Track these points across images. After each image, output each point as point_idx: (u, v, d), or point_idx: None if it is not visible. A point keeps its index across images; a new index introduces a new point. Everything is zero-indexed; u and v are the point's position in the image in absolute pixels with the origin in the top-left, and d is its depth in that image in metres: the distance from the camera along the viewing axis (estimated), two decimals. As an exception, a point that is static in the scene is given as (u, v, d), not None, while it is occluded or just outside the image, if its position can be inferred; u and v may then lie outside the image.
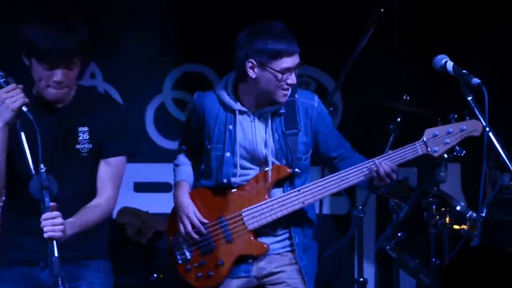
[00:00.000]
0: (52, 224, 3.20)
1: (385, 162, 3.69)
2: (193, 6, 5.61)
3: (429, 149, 3.71)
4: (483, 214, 4.59)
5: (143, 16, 5.56)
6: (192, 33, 5.59)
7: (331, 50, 5.49)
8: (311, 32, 5.50)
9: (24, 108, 3.26)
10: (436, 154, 3.71)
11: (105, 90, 5.63)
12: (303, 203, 3.70)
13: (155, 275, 5.20)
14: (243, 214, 3.73)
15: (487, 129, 3.61)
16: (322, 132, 3.79)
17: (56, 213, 3.21)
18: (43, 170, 3.17)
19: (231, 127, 3.74)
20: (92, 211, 3.41)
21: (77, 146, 3.44)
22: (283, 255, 3.77)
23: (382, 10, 4.28)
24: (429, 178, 4.96)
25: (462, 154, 3.71)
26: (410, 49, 5.34)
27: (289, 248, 3.77)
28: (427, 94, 5.24)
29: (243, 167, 3.75)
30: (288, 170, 3.72)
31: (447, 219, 4.73)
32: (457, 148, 3.71)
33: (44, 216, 3.20)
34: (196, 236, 3.76)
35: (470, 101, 3.64)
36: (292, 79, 3.69)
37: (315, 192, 3.71)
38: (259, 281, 3.78)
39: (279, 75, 3.67)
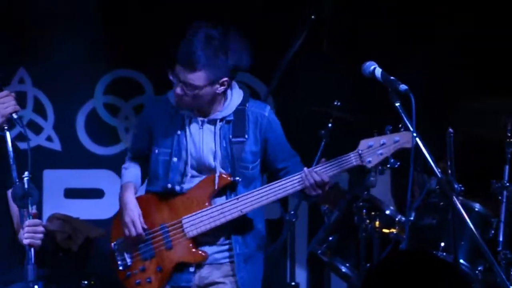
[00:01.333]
0: (34, 231, 3.27)
1: (316, 173, 3.71)
2: (125, 10, 5.58)
3: (363, 160, 3.73)
4: (412, 218, 4.68)
5: (74, 21, 5.50)
6: (124, 38, 5.55)
7: (263, 56, 5.52)
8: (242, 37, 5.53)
9: (15, 115, 3.33)
10: (370, 165, 3.74)
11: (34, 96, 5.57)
12: (241, 211, 3.71)
13: (85, 282, 5.15)
14: (183, 222, 3.73)
15: (414, 134, 3.67)
16: (271, 142, 3.80)
17: (38, 221, 3.29)
18: (27, 178, 3.23)
19: (179, 132, 3.73)
20: None
21: None
22: (225, 265, 3.77)
23: (312, 17, 4.32)
24: (359, 182, 5.03)
25: (396, 166, 3.74)
26: (340, 55, 5.41)
27: (230, 259, 3.77)
28: (358, 100, 5.31)
29: (189, 173, 3.74)
30: (229, 178, 3.72)
31: (377, 223, 4.80)
32: (391, 160, 3.75)
33: (27, 223, 3.26)
34: (139, 241, 3.75)
35: (398, 107, 3.70)
36: (177, 89, 3.71)
37: (253, 200, 3.72)
38: None
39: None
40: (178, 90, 3.68)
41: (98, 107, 5.65)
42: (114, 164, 5.38)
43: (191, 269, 3.75)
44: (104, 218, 5.44)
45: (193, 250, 3.72)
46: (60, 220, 5.23)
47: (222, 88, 3.71)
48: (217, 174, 3.71)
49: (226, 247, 3.76)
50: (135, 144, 3.90)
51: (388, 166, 3.78)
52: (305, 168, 3.73)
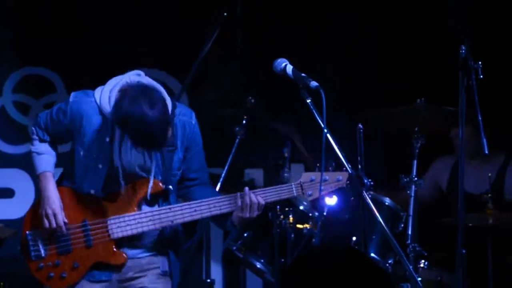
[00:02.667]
0: None
1: (255, 194, 3.71)
2: (35, 7, 5.49)
3: (303, 192, 3.77)
4: (324, 213, 4.75)
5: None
6: (34, 35, 5.46)
7: (177, 53, 5.52)
8: (156, 35, 5.52)
9: None
10: (310, 198, 3.78)
11: None
12: (172, 222, 3.69)
13: (-5, 283, 5.06)
14: (109, 223, 3.68)
15: (325, 130, 3.72)
16: (192, 151, 3.79)
17: None
18: None
19: (107, 139, 3.66)
20: None
21: None
22: (146, 259, 3.75)
23: (225, 14, 4.34)
24: (274, 179, 5.07)
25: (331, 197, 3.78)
26: (253, 52, 5.44)
27: (154, 252, 3.75)
28: (271, 96, 5.36)
29: (115, 181, 3.68)
30: (161, 185, 3.70)
31: (291, 218, 4.84)
32: (331, 193, 3.82)
33: None
34: (57, 234, 3.69)
35: (309, 103, 3.74)
36: None
37: (186, 213, 3.70)
38: (120, 285, 3.74)
39: None
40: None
41: (7, 105, 5.55)
42: (25, 163, 5.29)
43: (113, 267, 3.72)
44: (15, 218, 5.35)
45: (115, 251, 3.69)
46: (-31, 221, 5.11)
47: None
48: (151, 181, 3.68)
49: (154, 253, 3.75)
50: (55, 130, 3.77)
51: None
52: (246, 188, 3.72)
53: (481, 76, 3.69)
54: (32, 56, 5.51)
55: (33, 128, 3.81)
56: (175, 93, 5.51)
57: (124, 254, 3.69)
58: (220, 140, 5.14)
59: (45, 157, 3.78)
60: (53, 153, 3.81)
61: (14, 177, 5.50)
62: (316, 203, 4.85)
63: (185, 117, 3.77)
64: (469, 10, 3.98)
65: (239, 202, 3.68)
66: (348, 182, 3.77)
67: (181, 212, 3.70)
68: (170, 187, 3.71)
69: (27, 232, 3.75)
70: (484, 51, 4.16)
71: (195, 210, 3.71)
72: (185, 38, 5.52)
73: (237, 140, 5.16)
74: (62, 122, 3.74)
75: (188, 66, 4.91)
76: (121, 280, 3.74)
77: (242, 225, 3.82)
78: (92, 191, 3.68)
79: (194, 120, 3.79)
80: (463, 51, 3.72)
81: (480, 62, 3.71)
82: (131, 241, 3.72)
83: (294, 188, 3.77)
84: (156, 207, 3.73)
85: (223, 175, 5.04)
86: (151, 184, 3.68)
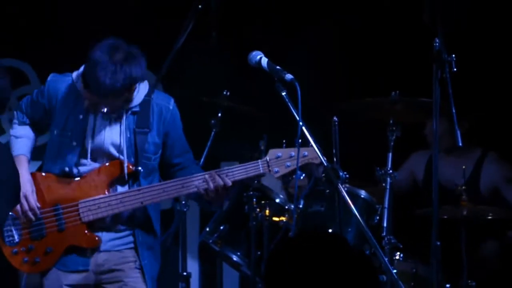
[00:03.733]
0: None
1: (220, 176, 3.71)
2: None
3: (270, 169, 3.79)
4: (300, 206, 4.75)
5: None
6: (6, 26, 5.41)
7: (152, 45, 5.49)
8: (131, 27, 5.49)
9: None
10: (276, 175, 3.81)
11: None
12: (141, 203, 3.70)
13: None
14: (80, 205, 3.69)
15: (300, 123, 3.73)
16: (172, 136, 3.80)
17: None
18: None
19: (81, 116, 3.69)
20: None
21: None
22: (123, 252, 3.74)
23: (199, 6, 4.34)
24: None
25: (301, 178, 3.80)
26: (228, 45, 5.43)
27: (131, 245, 3.74)
28: (246, 89, 5.35)
29: (88, 159, 3.70)
30: (130, 167, 3.70)
31: (267, 211, 4.85)
32: (298, 172, 3.81)
33: None
34: (30, 218, 3.67)
35: (284, 96, 3.75)
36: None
37: (154, 194, 3.70)
38: (97, 277, 3.73)
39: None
40: (106, 109, 3.66)
41: (-20, 97, 5.49)
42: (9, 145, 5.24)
43: (88, 255, 3.73)
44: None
45: (87, 234, 3.68)
46: None
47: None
48: (124, 163, 3.68)
49: (127, 233, 3.73)
50: (34, 113, 3.80)
51: (294, 177, 3.83)
52: (213, 171, 3.72)
53: (455, 69, 3.71)
54: (4, 48, 5.46)
55: (15, 112, 3.86)
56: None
57: (96, 237, 3.68)
58: (195, 132, 5.13)
59: (22, 140, 3.78)
60: (32, 135, 3.82)
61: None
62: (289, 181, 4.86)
63: (162, 102, 3.80)
64: (443, 2, 4.00)
65: (206, 185, 3.65)
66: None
67: (149, 193, 3.71)
68: (140, 168, 3.69)
69: None
70: (459, 44, 4.18)
71: (164, 191, 3.72)
72: (159, 29, 5.50)
73: (212, 132, 5.15)
74: (40, 102, 3.77)
75: (163, 58, 4.89)
76: (98, 272, 3.73)
77: (218, 205, 3.81)
78: (66, 169, 3.66)
79: (172, 105, 3.81)
80: (437, 44, 3.74)
81: (453, 55, 3.73)
82: (104, 224, 3.71)
83: (260, 165, 3.79)
84: (126, 188, 3.70)
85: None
86: (125, 165, 3.67)
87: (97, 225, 3.73)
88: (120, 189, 3.74)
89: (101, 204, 3.70)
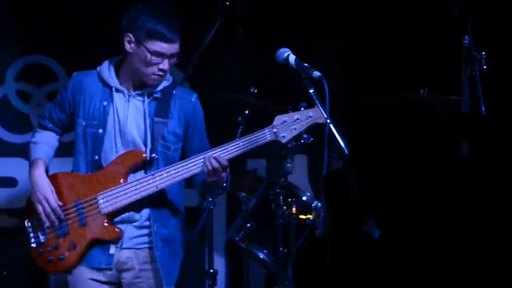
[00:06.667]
0: None
1: (215, 158, 3.69)
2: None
3: (277, 135, 3.75)
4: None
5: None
6: (35, 23, 5.44)
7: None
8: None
9: None
10: (284, 140, 3.76)
11: None
12: (156, 187, 3.70)
13: (-2, 273, 5.08)
14: (98, 198, 3.71)
15: (328, 120, 3.71)
16: (192, 129, 3.81)
17: None
18: None
19: (105, 103, 3.73)
20: None
21: None
22: (144, 251, 3.75)
23: (227, 3, 4.33)
24: (276, 169, 5.06)
25: (309, 141, 3.77)
26: (255, 42, 5.42)
27: (150, 244, 3.74)
28: (274, 86, 5.34)
29: (115, 145, 3.74)
30: (144, 155, 3.71)
31: (294, 209, 4.84)
32: (305, 135, 3.77)
33: None
34: (53, 218, 3.69)
35: (312, 93, 3.74)
36: (164, 64, 3.72)
37: (167, 176, 3.71)
38: (120, 275, 3.75)
39: (149, 56, 3.68)
40: (166, 65, 3.72)
41: (9, 94, 5.53)
42: (27, 153, 5.28)
43: (111, 251, 3.73)
44: (18, 207, 5.34)
45: (108, 226, 3.70)
46: (-29, 210, 5.12)
47: None
48: (143, 149, 3.72)
49: (146, 230, 3.74)
50: (54, 113, 3.85)
51: (302, 141, 3.80)
52: (216, 148, 3.74)
53: (485, 67, 3.67)
54: (33, 45, 5.50)
55: (38, 120, 3.87)
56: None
57: (116, 229, 3.69)
58: (222, 130, 5.12)
59: (39, 146, 3.83)
60: (52, 139, 3.87)
61: (16, 166, 5.49)
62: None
63: (184, 94, 3.82)
64: (473, -1, 3.96)
65: (205, 168, 3.68)
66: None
67: (163, 176, 3.71)
68: (155, 155, 3.68)
69: (25, 221, 3.75)
70: (489, 41, 4.13)
71: (176, 172, 3.71)
72: (186, 26, 5.49)
73: (239, 130, 5.14)
74: (64, 98, 3.81)
75: (190, 56, 4.90)
76: (121, 270, 3.74)
77: (225, 188, 3.78)
78: (96, 157, 3.69)
79: (194, 98, 3.83)
80: (467, 41, 3.70)
81: (483, 53, 3.69)
82: (124, 215, 3.73)
83: (267, 133, 3.76)
84: (141, 176, 3.73)
85: (226, 165, 5.02)
86: (145, 154, 3.68)
87: (117, 217, 3.73)
88: (137, 177, 3.76)
89: (118, 194, 3.71)
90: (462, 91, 3.71)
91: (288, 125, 3.76)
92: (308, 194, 4.95)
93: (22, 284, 5.19)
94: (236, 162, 5.23)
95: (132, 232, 3.74)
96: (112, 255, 3.73)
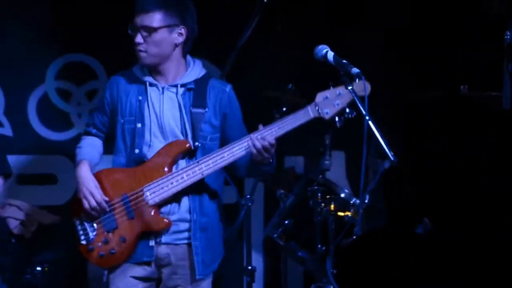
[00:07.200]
0: None
1: (263, 138, 3.66)
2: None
3: (320, 112, 3.70)
4: (366, 201, 4.71)
5: (23, 4, 5.43)
6: (76, 22, 5.49)
7: (217, 39, 5.51)
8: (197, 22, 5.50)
9: None
10: (327, 117, 3.69)
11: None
12: (202, 174, 3.71)
13: (39, 268, 5.12)
14: (144, 190, 3.74)
15: (367, 117, 3.69)
16: (230, 119, 3.82)
17: None
18: None
19: (141, 98, 3.78)
20: None
21: None
22: (181, 247, 3.77)
23: (265, 0, 4.32)
24: (314, 166, 5.05)
25: (353, 116, 3.68)
26: (293, 39, 5.41)
27: (186, 240, 3.76)
28: (311, 83, 5.32)
29: (152, 139, 3.77)
30: (188, 144, 3.73)
31: (332, 206, 4.82)
32: (347, 109, 3.70)
33: None
34: (99, 212, 3.75)
35: (350, 90, 3.71)
36: (137, 38, 3.76)
37: (213, 162, 3.71)
38: (159, 271, 3.79)
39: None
40: (138, 38, 3.75)
41: (49, 92, 5.59)
42: (67, 150, 5.33)
43: (151, 244, 3.76)
44: (58, 204, 5.40)
45: (156, 217, 3.73)
46: (13, 207, 5.17)
47: (180, 38, 3.78)
48: (187, 140, 3.74)
49: (185, 225, 3.76)
50: (97, 118, 3.92)
51: (346, 116, 3.71)
52: (252, 134, 3.70)
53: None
54: (73, 43, 5.54)
55: (84, 127, 3.99)
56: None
57: (165, 219, 3.72)
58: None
59: (84, 149, 3.91)
60: (96, 143, 3.94)
61: (57, 164, 5.55)
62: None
63: (218, 85, 3.83)
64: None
65: (252, 149, 3.66)
66: None
67: (209, 162, 3.71)
68: (198, 144, 3.71)
69: (73, 219, 3.81)
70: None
71: (221, 158, 3.71)
72: (224, 23, 5.51)
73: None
74: (103, 102, 3.87)
75: (228, 53, 4.90)
76: (159, 265, 3.77)
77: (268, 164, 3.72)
78: (137, 151, 3.74)
79: (228, 89, 3.84)
80: (508, 36, 3.65)
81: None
82: (168, 207, 3.75)
83: (310, 110, 3.72)
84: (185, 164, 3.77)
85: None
86: (189, 143, 3.71)
87: (162, 210, 3.76)
88: (180, 167, 3.78)
89: (164, 184, 3.73)
90: (503, 87, 3.66)
91: (330, 101, 3.69)
92: (346, 191, 4.93)
93: (63, 279, 5.25)
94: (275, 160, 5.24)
95: (172, 228, 3.77)
96: (152, 248, 3.76)
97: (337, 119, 3.71)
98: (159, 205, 3.75)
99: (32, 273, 5.11)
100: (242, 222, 5.23)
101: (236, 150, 3.71)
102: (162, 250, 3.77)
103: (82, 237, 3.80)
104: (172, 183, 3.72)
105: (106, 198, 3.76)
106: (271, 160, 3.72)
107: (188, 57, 3.88)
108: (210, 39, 5.54)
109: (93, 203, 3.74)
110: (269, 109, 5.12)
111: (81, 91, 5.62)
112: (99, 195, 3.74)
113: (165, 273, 3.79)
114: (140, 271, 3.77)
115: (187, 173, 3.71)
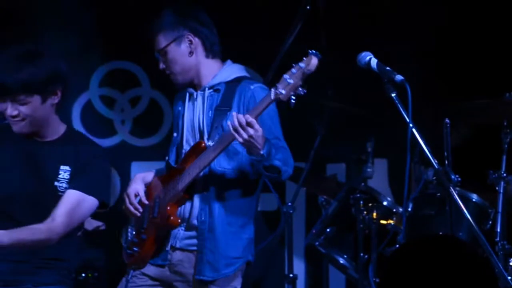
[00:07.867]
0: None
1: (239, 116, 3.52)
2: (120, 1, 5.56)
3: (277, 93, 3.52)
4: (409, 209, 4.66)
5: (68, 12, 5.49)
6: (120, 30, 5.53)
7: (259, 46, 5.52)
8: (238, 29, 5.52)
9: None
10: (282, 97, 3.50)
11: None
12: (199, 167, 3.69)
13: (83, 275, 5.15)
14: (165, 189, 3.80)
15: (411, 125, 3.66)
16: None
17: None
18: None
19: (180, 108, 3.84)
20: (28, 231, 3.49)
21: (56, 184, 3.59)
22: (194, 255, 3.76)
23: (308, 7, 4.31)
24: (356, 174, 5.02)
25: (302, 94, 3.48)
26: (335, 45, 5.39)
27: (197, 247, 3.74)
28: (352, 90, 5.30)
29: (184, 146, 3.81)
30: (203, 144, 3.73)
31: (375, 214, 4.79)
32: (299, 88, 3.51)
33: None
34: (131, 213, 3.80)
35: (394, 97, 3.69)
36: (160, 66, 3.86)
37: (207, 154, 3.67)
38: (172, 276, 3.79)
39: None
40: (160, 65, 3.85)
41: (93, 99, 5.64)
42: (111, 156, 5.34)
43: (167, 248, 3.78)
44: (102, 210, 5.43)
45: (168, 215, 3.73)
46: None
47: (192, 45, 3.78)
48: (203, 141, 3.74)
49: (195, 232, 3.75)
50: (174, 139, 3.93)
51: (297, 93, 3.50)
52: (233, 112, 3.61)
53: None
54: (117, 51, 5.59)
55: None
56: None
57: (173, 217, 3.72)
58: (300, 134, 5.12)
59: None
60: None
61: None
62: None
63: (246, 84, 3.78)
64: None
65: (232, 129, 3.54)
66: (435, 177, 3.66)
67: (205, 155, 3.68)
68: (211, 143, 3.70)
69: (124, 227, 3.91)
70: None
71: (214, 149, 3.66)
72: (266, 30, 5.51)
73: (319, 136, 5.11)
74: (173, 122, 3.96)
75: (270, 61, 4.90)
76: (173, 271, 3.78)
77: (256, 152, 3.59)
78: (166, 158, 3.82)
79: (253, 86, 3.76)
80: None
81: None
82: (180, 209, 3.77)
83: (272, 93, 3.53)
84: None
85: (305, 170, 5.01)
86: (204, 143, 3.69)
87: (180, 205, 3.79)
88: None
89: (182, 177, 3.74)
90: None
91: (285, 80, 3.52)
92: (388, 199, 4.90)
93: (105, 286, 5.28)
94: (317, 168, 5.21)
95: (184, 233, 3.78)
96: (167, 252, 3.77)
97: (292, 97, 3.50)
98: (177, 200, 3.74)
99: (76, 279, 5.14)
100: (283, 230, 5.22)
101: (224, 140, 3.63)
102: (176, 256, 3.77)
103: (123, 239, 3.86)
104: (189, 173, 3.71)
105: (145, 202, 3.80)
106: (261, 152, 3.57)
107: (228, 61, 3.87)
108: (252, 45, 5.56)
109: (126, 203, 3.80)
110: (311, 116, 5.11)
111: (125, 98, 5.67)
112: (133, 198, 3.78)
113: (177, 278, 3.79)
114: (154, 271, 3.79)
115: (191, 169, 3.70)
